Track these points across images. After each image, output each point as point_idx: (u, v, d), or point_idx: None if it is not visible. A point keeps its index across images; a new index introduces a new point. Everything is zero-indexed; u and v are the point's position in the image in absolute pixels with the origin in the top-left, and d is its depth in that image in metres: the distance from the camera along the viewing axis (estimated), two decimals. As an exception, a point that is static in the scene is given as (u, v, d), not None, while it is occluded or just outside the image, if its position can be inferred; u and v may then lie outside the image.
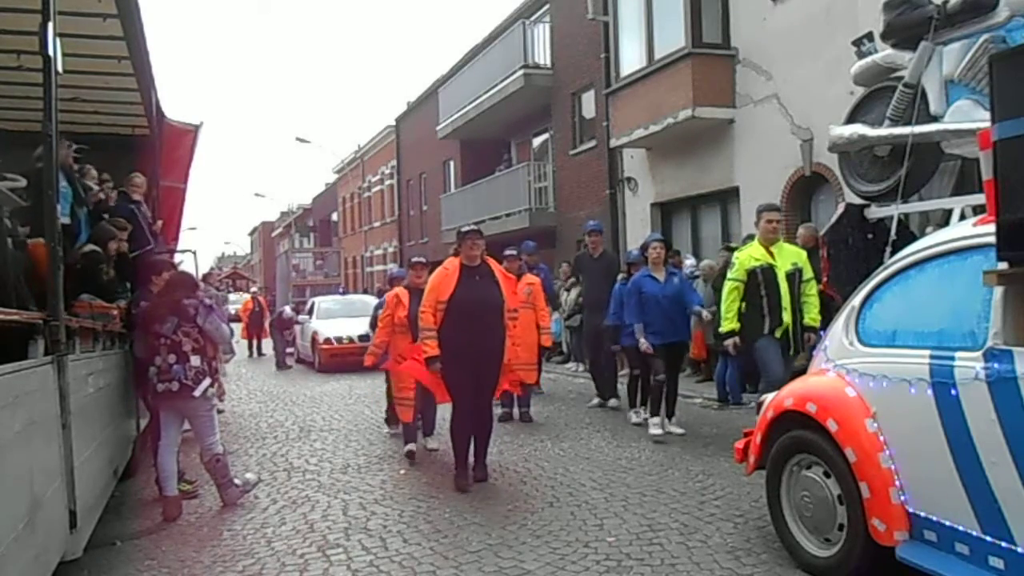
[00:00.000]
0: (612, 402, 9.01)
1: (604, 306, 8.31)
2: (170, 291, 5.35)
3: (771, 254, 6.20)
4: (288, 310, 17.84)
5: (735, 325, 6.24)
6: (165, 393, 5.14)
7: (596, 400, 9.17)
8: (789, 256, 6.29)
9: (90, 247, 5.66)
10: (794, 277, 6.19)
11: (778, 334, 6.15)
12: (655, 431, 7.03)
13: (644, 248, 7.55)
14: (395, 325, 6.77)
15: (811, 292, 6.23)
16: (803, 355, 6.14)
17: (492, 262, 5.93)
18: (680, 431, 7.13)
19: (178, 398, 5.13)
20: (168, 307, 5.22)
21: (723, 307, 6.33)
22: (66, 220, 5.77)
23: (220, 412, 7.80)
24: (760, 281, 6.12)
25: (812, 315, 6.19)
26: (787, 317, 6.12)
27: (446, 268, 5.69)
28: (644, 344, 7.03)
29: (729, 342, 6.33)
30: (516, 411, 8.30)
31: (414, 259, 7.28)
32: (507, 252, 8.10)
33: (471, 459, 5.73)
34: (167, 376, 5.11)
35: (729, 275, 6.41)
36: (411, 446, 6.62)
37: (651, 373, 7.25)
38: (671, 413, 7.30)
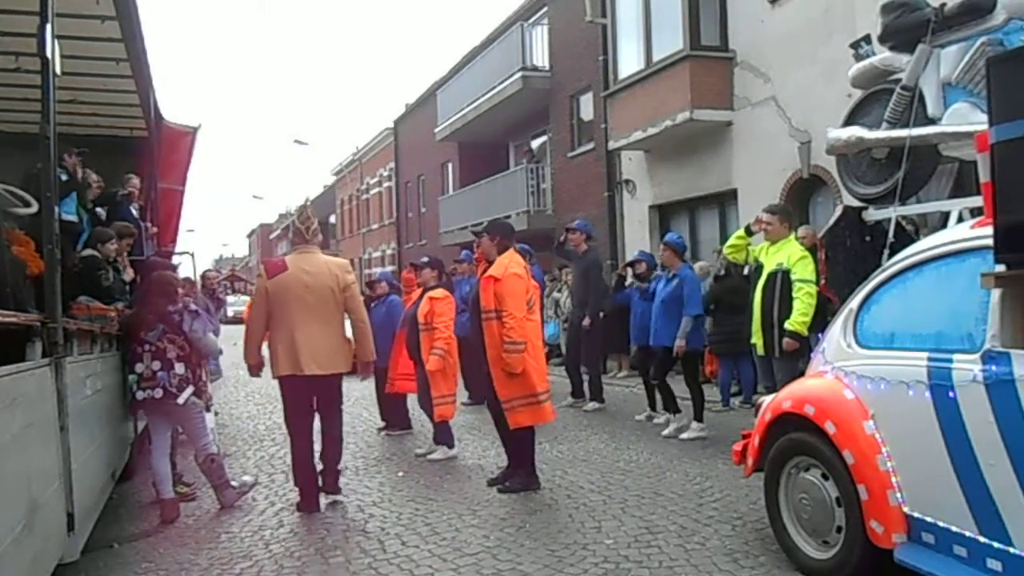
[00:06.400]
0: (590, 405, 8.85)
1: (583, 303, 8.96)
2: (153, 298, 5.27)
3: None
4: None
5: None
6: (148, 400, 5.08)
7: (568, 400, 8.95)
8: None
9: (88, 252, 5.65)
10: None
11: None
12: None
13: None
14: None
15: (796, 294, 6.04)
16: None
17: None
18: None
19: (162, 405, 5.10)
20: (154, 315, 5.16)
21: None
22: (72, 218, 5.78)
23: (217, 415, 7.77)
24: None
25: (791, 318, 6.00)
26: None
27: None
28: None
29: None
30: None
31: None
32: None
33: None
34: (150, 383, 5.05)
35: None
36: (453, 451, 6.65)
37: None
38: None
